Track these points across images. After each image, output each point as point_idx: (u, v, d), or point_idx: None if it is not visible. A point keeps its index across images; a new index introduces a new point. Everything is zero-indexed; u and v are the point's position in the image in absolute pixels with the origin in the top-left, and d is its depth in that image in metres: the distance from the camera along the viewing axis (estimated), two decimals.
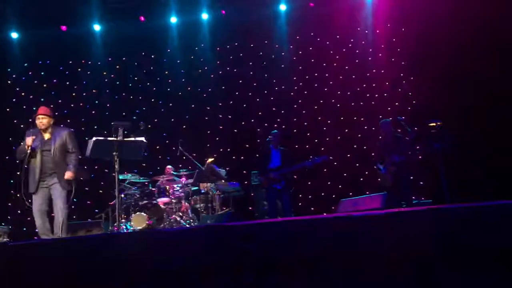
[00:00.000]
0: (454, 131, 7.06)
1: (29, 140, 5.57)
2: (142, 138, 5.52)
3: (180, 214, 7.84)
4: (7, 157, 9.80)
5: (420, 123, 7.83)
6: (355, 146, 9.91)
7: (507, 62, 8.19)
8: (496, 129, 7.92)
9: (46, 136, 5.76)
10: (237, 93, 10.55)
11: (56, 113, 6.28)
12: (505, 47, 8.15)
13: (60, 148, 5.71)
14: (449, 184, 6.37)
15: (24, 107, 10.06)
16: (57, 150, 5.68)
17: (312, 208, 9.55)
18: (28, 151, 5.56)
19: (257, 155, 7.30)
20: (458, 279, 2.90)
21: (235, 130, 10.38)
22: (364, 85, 10.12)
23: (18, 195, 9.16)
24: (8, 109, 10.14)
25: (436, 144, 6.40)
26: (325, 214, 8.64)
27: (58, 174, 5.63)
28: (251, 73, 10.58)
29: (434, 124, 6.50)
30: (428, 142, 6.75)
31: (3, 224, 7.53)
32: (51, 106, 6.29)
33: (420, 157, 8.67)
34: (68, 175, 5.62)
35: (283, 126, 10.08)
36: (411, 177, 7.55)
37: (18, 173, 5.72)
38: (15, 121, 9.90)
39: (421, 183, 9.10)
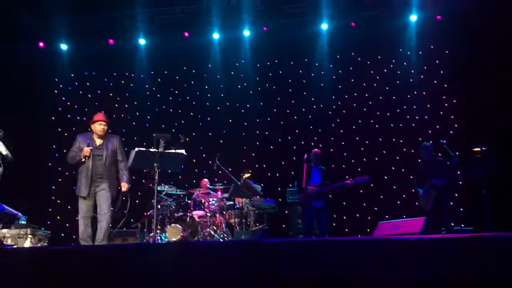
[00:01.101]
0: (498, 156, 6.84)
1: (87, 151, 5.68)
2: (183, 151, 5.59)
3: (214, 228, 7.86)
4: (49, 164, 10.14)
5: (463, 147, 7.64)
6: (393, 168, 9.73)
7: None
8: None
9: (98, 141, 5.88)
10: (275, 110, 10.58)
11: None
12: None
13: (112, 154, 5.84)
14: (491, 211, 6.16)
15: (69, 116, 10.42)
16: (109, 156, 5.80)
17: (347, 230, 9.40)
18: (83, 159, 5.70)
19: (298, 173, 7.31)
20: None
21: (271, 147, 10.39)
22: (405, 107, 9.97)
23: (59, 201, 9.58)
24: (53, 117, 10.50)
25: (479, 169, 6.22)
26: (359, 236, 8.48)
27: (106, 179, 5.75)
28: (290, 90, 10.60)
29: (478, 149, 6.33)
30: (470, 167, 6.57)
31: (43, 228, 7.73)
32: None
33: (461, 182, 8.44)
34: (125, 187, 5.80)
35: (320, 145, 10.00)
36: (451, 203, 7.34)
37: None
38: (59, 129, 10.24)
39: (461, 209, 8.82)
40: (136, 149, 5.43)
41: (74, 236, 7.55)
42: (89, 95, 10.62)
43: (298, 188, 7.32)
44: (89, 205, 5.74)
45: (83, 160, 5.68)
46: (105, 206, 5.68)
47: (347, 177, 7.35)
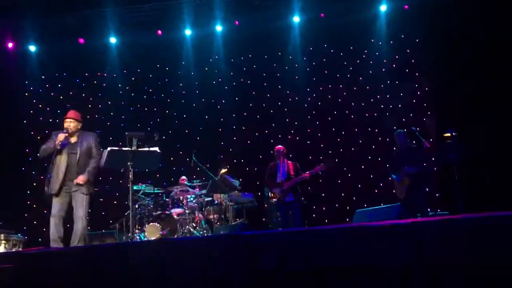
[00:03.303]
0: (469, 140, 6.98)
1: (61, 136, 5.51)
2: (156, 148, 5.53)
3: (194, 225, 7.84)
4: (23, 168, 9.95)
5: (436, 134, 7.77)
6: (369, 157, 9.85)
7: None
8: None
9: (73, 139, 5.73)
10: (250, 104, 10.59)
11: None
12: None
13: (86, 152, 5.68)
14: (464, 195, 6.28)
15: (41, 118, 10.23)
16: (84, 154, 5.64)
17: (326, 220, 9.49)
18: (58, 147, 5.50)
19: (267, 170, 7.41)
20: None
21: (249, 141, 10.40)
22: (378, 96, 10.09)
23: (34, 206, 9.40)
24: (25, 121, 10.30)
25: (451, 154, 6.33)
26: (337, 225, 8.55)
27: None
28: (265, 84, 10.61)
29: (449, 134, 6.43)
30: (442, 153, 6.68)
31: (19, 234, 7.59)
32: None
33: (435, 168, 8.59)
34: (79, 178, 5.53)
35: (297, 137, 10.07)
36: (426, 189, 7.46)
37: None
38: (32, 132, 10.05)
39: (437, 194, 8.99)
40: (109, 148, 5.33)
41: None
42: (61, 97, 10.44)
43: (267, 185, 7.41)
44: (61, 204, 5.53)
45: (58, 148, 5.51)
46: (81, 210, 5.49)
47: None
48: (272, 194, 7.15)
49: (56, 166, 5.59)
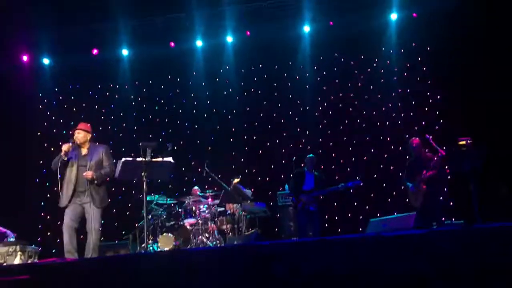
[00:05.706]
0: (483, 148, 6.90)
1: (65, 146, 5.48)
2: (170, 159, 5.53)
3: (207, 235, 7.82)
4: (37, 180, 10.03)
5: (449, 141, 7.69)
6: (381, 166, 9.78)
7: None
8: None
9: (83, 151, 5.74)
10: (261, 114, 10.59)
11: None
12: None
13: (96, 164, 5.66)
14: (479, 204, 6.20)
15: (54, 130, 10.32)
16: (93, 166, 5.62)
17: (339, 230, 9.41)
18: (64, 158, 5.49)
19: (292, 178, 7.42)
20: None
21: (260, 151, 10.39)
22: (390, 105, 10.03)
23: (48, 217, 9.44)
24: (39, 133, 10.40)
25: (466, 162, 6.26)
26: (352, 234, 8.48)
27: (93, 191, 5.55)
28: (275, 94, 10.62)
29: (463, 142, 6.36)
30: (457, 160, 6.60)
31: (34, 245, 7.63)
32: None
33: (449, 176, 8.49)
34: (86, 173, 5.50)
35: (308, 147, 10.03)
36: (441, 197, 7.37)
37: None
38: (45, 144, 10.14)
39: (451, 203, 8.87)
40: (123, 159, 5.33)
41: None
42: (74, 109, 10.55)
43: (293, 194, 7.40)
44: (74, 215, 5.52)
45: (64, 159, 5.50)
46: (94, 222, 5.49)
47: (341, 184, 7.35)
48: (299, 201, 7.17)
49: (66, 179, 5.61)
